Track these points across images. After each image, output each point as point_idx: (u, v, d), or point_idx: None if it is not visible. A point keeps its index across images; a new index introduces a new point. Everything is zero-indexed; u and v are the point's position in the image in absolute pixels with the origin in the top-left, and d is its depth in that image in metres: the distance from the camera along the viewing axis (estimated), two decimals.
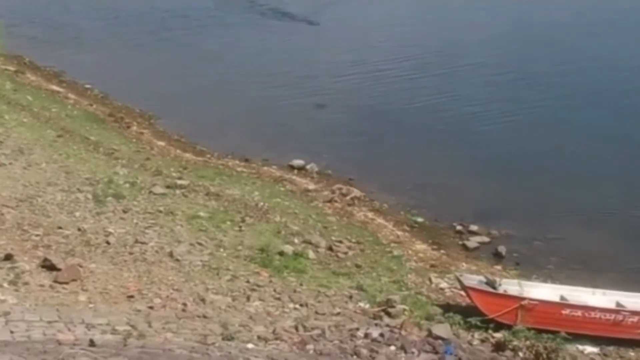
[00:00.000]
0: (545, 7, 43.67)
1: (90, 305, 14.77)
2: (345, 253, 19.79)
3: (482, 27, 41.03)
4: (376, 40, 39.27)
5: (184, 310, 15.07)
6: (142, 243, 17.97)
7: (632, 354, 16.94)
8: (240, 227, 20.09)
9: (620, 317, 17.06)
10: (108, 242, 17.76)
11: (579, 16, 42.64)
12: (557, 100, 31.65)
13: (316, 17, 42.30)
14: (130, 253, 17.43)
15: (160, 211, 20.14)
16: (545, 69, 35.20)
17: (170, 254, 17.58)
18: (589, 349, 16.83)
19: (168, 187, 22.06)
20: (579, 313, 16.99)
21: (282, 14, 43.33)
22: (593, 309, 17.09)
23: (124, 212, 19.78)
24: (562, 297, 17.54)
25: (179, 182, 22.62)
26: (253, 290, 16.58)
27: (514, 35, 40.36)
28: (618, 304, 17.48)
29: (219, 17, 42.80)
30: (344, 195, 23.76)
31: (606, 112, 30.85)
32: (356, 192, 23.91)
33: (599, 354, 16.78)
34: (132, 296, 15.44)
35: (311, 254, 19.05)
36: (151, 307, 15.01)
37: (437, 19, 42.81)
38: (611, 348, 16.98)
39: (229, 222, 20.25)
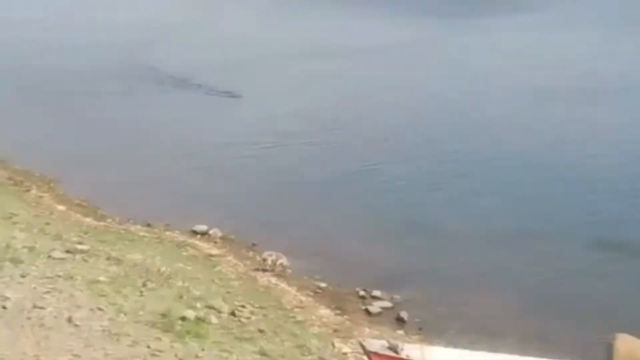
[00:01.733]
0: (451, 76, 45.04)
1: None
2: (248, 318, 19.64)
3: (390, 97, 41.89)
4: (290, 111, 39.39)
5: None
6: (40, 308, 17.53)
7: None
8: (141, 292, 19.76)
9: None
10: (4, 307, 17.29)
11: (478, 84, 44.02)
12: (457, 167, 32.32)
13: (239, 89, 42.18)
14: (28, 318, 16.99)
15: (60, 276, 19.68)
16: (448, 133, 36.11)
17: (69, 319, 17.18)
18: None
19: (68, 251, 21.63)
20: None
21: (201, 85, 43.15)
22: None
23: (22, 276, 19.29)
24: None
25: (79, 246, 22.22)
26: (154, 355, 16.28)
27: (420, 105, 41.24)
28: None
29: (129, 85, 42.71)
30: (274, 262, 23.68)
31: (507, 178, 31.56)
32: (284, 260, 23.81)
33: None
34: None
35: (213, 319, 18.82)
36: None
37: (352, 93, 43.17)
38: None
39: (130, 287, 19.89)
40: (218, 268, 23.18)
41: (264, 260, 23.86)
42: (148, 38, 52.71)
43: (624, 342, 17.76)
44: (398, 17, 63.50)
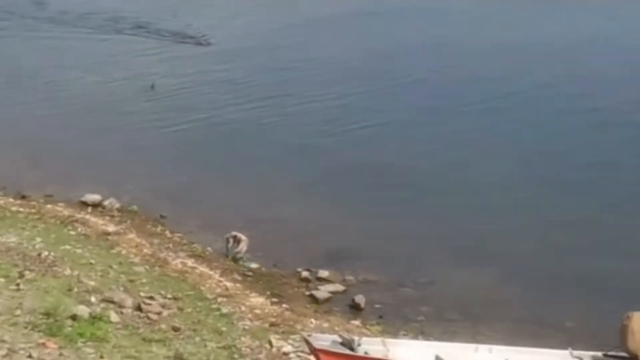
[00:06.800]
0: None
1: None
2: (159, 313, 19.57)
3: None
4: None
5: None
6: None
7: None
8: (17, 284, 19.60)
9: None
10: None
11: None
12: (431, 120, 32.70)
13: (207, 37, 42.21)
14: None
15: None
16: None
17: None
18: None
19: None
20: None
21: (169, 31, 42.98)
22: None
23: None
24: (437, 357, 17.77)
25: None
26: None
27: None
28: None
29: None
30: (238, 242, 23.64)
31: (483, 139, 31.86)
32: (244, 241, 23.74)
33: None
34: None
35: (114, 316, 18.73)
36: None
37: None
38: None
39: (2, 279, 19.77)
40: (117, 249, 23.05)
41: (227, 241, 23.75)
42: None
43: None
44: None
